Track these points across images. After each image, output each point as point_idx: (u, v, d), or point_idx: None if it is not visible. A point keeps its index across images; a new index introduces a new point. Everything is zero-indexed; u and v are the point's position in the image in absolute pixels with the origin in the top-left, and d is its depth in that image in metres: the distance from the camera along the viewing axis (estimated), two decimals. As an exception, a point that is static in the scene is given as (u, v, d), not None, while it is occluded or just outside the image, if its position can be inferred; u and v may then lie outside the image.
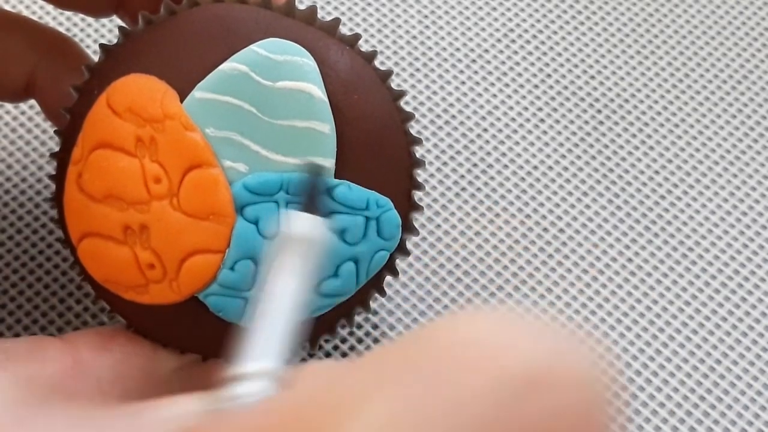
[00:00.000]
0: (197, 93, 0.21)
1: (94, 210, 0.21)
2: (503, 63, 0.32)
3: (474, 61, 0.32)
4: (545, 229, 0.29)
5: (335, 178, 0.21)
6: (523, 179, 0.30)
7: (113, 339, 0.22)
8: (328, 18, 0.33)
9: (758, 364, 0.27)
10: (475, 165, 0.30)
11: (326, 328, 0.23)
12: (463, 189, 0.30)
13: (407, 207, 0.22)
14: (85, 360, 0.21)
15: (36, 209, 0.29)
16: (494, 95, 0.32)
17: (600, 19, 0.33)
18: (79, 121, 0.22)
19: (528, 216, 0.30)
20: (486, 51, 0.33)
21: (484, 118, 0.31)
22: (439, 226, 0.29)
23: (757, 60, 0.33)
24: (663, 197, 0.30)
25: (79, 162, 0.22)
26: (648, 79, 0.32)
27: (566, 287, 0.28)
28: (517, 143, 0.31)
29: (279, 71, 0.21)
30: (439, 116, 0.31)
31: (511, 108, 0.31)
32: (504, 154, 0.31)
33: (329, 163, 0.21)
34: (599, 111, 0.32)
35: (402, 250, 0.23)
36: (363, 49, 0.22)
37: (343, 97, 0.21)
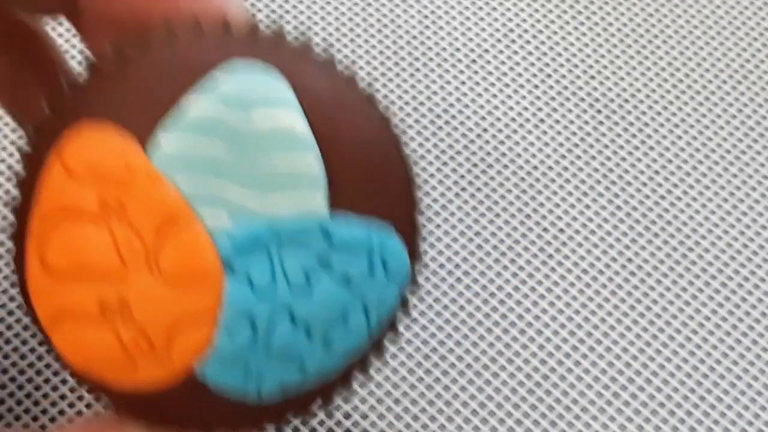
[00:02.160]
0: (161, 137, 0.18)
1: (64, 290, 0.19)
2: (503, 63, 0.32)
3: (474, 61, 0.32)
4: (545, 229, 0.29)
5: (330, 210, 0.19)
6: (523, 179, 0.30)
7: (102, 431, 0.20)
8: (328, 19, 0.33)
9: (758, 364, 0.27)
10: (475, 165, 0.30)
11: (342, 383, 0.21)
12: (463, 189, 0.30)
13: (411, 231, 0.20)
14: None
15: (36, 209, 0.29)
16: (494, 95, 0.32)
17: (600, 19, 0.33)
18: (33, 177, 0.19)
19: (528, 216, 0.30)
20: (486, 51, 0.33)
21: (484, 118, 0.31)
22: (439, 226, 0.29)
23: (757, 60, 0.33)
24: (663, 197, 0.30)
25: (38, 234, 0.19)
26: (648, 79, 0.32)
27: (566, 287, 0.28)
28: (517, 143, 0.31)
29: (250, 101, 0.18)
30: (439, 116, 0.31)
31: (511, 108, 0.31)
32: (504, 154, 0.31)
33: (320, 196, 0.19)
34: (599, 111, 0.32)
35: (412, 282, 0.20)
36: (342, 68, 0.20)
37: (325, 122, 0.19)
